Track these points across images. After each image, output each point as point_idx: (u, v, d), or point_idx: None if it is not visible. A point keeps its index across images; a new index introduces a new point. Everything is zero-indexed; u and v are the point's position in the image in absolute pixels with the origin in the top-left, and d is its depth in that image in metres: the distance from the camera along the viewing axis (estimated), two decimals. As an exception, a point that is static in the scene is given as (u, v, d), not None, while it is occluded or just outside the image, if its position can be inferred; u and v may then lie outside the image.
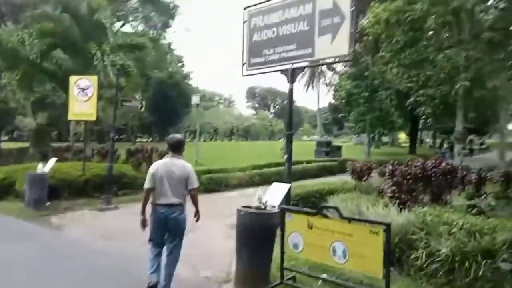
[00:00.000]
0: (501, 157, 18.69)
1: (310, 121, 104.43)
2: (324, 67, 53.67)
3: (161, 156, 12.15)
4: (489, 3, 12.20)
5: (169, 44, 43.50)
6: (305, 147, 28.92)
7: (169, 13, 40.78)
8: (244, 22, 7.67)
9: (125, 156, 12.59)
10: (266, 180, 14.13)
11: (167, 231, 4.46)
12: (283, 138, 19.34)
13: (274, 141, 73.79)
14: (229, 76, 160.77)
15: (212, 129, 71.22)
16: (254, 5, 7.57)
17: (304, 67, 7.70)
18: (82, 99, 10.34)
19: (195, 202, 4.61)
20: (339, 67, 51.02)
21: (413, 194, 5.55)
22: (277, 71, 7.18)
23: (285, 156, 6.83)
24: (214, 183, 12.41)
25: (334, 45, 6.19)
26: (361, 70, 23.25)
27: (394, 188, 5.54)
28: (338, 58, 6.61)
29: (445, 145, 30.82)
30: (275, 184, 5.30)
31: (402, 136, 56.60)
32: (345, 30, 6.04)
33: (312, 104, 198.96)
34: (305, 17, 6.61)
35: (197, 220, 4.73)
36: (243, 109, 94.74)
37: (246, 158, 23.92)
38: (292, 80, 6.82)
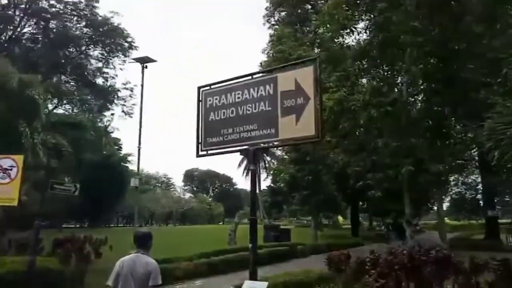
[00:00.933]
0: (442, 238, 19.27)
1: (249, 204, 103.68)
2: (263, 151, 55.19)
3: (96, 246, 10.68)
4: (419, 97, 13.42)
5: (105, 127, 42.32)
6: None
7: (107, 97, 39.87)
8: (199, 102, 7.37)
9: (51, 246, 10.81)
10: (214, 270, 12.96)
11: None
12: (231, 222, 18.43)
13: (215, 225, 71.39)
14: (167, 158, 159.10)
15: (148, 214, 67.47)
16: (209, 85, 7.38)
17: (268, 147, 7.39)
18: (3, 181, 8.96)
19: None
20: (278, 151, 52.84)
21: (402, 285, 5.04)
22: (237, 151, 6.79)
23: (250, 245, 6.07)
24: (156, 276, 10.92)
25: (300, 126, 6.00)
26: (303, 154, 23.87)
27: (382, 281, 4.99)
28: (305, 139, 6.33)
29: (383, 227, 31.58)
30: (248, 283, 4.51)
31: (340, 218, 57.90)
32: (310, 111, 5.92)
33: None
34: (267, 98, 6.47)
35: None
36: (181, 191, 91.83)
37: (188, 245, 22.27)
38: (254, 161, 6.41)
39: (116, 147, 53.58)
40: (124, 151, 54.20)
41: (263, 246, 16.79)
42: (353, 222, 32.17)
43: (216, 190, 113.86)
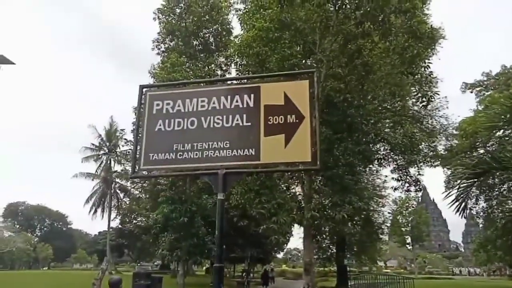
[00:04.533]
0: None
1: (85, 247, 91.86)
2: (117, 187, 50.12)
3: None
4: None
5: None
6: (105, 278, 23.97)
7: None
8: (139, 105, 5.64)
9: None
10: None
11: None
12: (102, 268, 15.11)
13: (49, 270, 59.85)
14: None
15: None
16: (157, 85, 5.77)
17: (245, 173, 5.96)
18: None
19: None
20: (135, 189, 48.73)
21: None
22: (196, 174, 5.23)
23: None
24: None
25: (290, 149, 4.92)
26: (178, 193, 22.15)
27: None
28: (296, 165, 5.15)
29: (244, 274, 31.23)
30: None
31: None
32: (304, 131, 4.94)
33: (88, 227, 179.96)
34: (245, 111, 5.24)
35: None
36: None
37: None
38: (223, 189, 4.95)
39: None
40: None
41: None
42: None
43: (45, 229, 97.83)
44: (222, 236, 4.79)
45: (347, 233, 18.73)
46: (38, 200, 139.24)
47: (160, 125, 5.43)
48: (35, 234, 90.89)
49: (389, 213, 39.92)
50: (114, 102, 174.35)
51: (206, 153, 5.14)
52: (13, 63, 20.00)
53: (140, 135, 5.54)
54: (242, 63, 17.03)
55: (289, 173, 13.62)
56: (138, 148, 5.47)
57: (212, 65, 24.07)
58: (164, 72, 18.87)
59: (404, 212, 53.53)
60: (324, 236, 19.85)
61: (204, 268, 54.18)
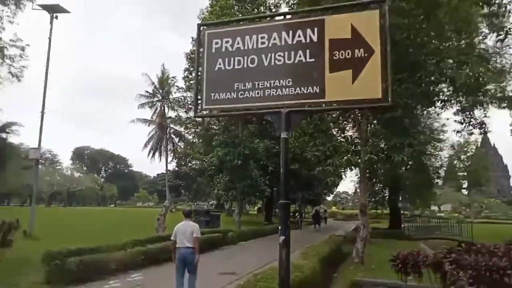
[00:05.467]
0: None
1: (146, 187, 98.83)
2: (171, 132, 52.17)
3: (5, 231, 7.97)
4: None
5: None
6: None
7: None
8: (199, 45, 5.53)
9: None
10: (151, 260, 10.98)
11: (185, 264, 7.17)
12: (122, 204, 16.21)
13: (121, 208, 65.75)
14: (52, 132, 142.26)
15: (28, 193, 59.03)
16: (215, 24, 5.58)
17: (311, 111, 5.83)
18: None
19: (196, 245, 7.28)
20: (189, 134, 50.48)
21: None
22: (259, 113, 5.16)
23: (281, 237, 4.57)
24: (87, 269, 8.63)
25: (358, 86, 4.63)
26: (231, 137, 22.57)
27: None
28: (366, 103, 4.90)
29: (297, 214, 32.17)
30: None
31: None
32: (374, 66, 4.59)
33: (147, 169, 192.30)
34: (308, 46, 4.93)
35: (197, 260, 7.22)
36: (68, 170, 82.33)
37: (110, 230, 19.34)
38: (287, 127, 4.86)
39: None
40: (8, 119, 46.16)
41: (197, 232, 15.10)
42: (267, 209, 32.09)
43: (109, 170, 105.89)
44: (287, 173, 4.80)
45: (402, 176, 18.36)
46: (101, 145, 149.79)
47: (220, 64, 5.31)
48: (100, 175, 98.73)
49: (445, 157, 38.28)
50: (164, 52, 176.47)
51: (268, 91, 5.00)
52: (68, 12, 20.61)
53: (200, 75, 5.50)
54: (295, 1, 16.12)
55: (344, 116, 13.26)
56: (199, 88, 5.45)
57: (261, 7, 23.18)
58: (213, 16, 18.48)
59: (462, 156, 51.20)
60: (377, 179, 19.56)
61: (256, 208, 56.47)
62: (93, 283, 8.65)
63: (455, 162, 50.53)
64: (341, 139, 12.99)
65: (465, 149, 49.21)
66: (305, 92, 4.87)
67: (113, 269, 9.49)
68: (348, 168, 12.50)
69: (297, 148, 19.34)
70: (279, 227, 4.76)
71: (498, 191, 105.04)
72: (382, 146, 12.28)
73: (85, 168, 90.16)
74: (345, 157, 12.14)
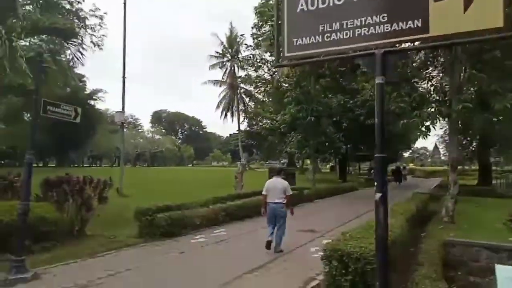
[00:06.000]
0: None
1: (220, 148, 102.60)
2: (242, 92, 52.54)
3: (100, 189, 8.47)
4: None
5: (69, 60, 37.74)
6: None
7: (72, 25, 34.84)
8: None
9: (40, 189, 8.41)
10: (232, 216, 11.21)
11: (275, 217, 7.83)
12: (239, 164, 16.51)
13: (199, 167, 69.61)
14: (132, 97, 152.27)
15: (115, 154, 64.49)
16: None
17: (409, 50, 5.18)
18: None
19: (290, 202, 8.06)
20: (259, 94, 50.41)
21: None
22: (350, 56, 4.57)
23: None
24: (174, 224, 9.02)
25: (472, 14, 3.82)
26: (304, 94, 21.83)
27: None
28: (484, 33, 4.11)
29: (373, 171, 31.03)
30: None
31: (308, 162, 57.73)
32: (492, -11, 3.73)
33: (220, 130, 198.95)
34: (405, -28, 4.18)
35: (292, 213, 8.19)
36: (149, 133, 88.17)
37: (193, 189, 20.43)
38: (382, 71, 4.24)
39: (81, 83, 49.26)
40: (92, 86, 49.97)
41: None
42: (341, 166, 31.38)
43: (185, 132, 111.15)
44: (383, 124, 4.24)
45: (496, 127, 16.44)
46: (176, 108, 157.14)
47: (302, 5, 4.75)
48: (177, 137, 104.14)
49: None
50: (231, 9, 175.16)
51: (358, 31, 4.37)
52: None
53: (279, 21, 5.01)
54: None
55: (433, 61, 11.83)
56: (279, 34, 4.98)
57: None
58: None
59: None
60: (469, 131, 17.73)
61: (329, 166, 55.85)
62: (180, 237, 9.04)
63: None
64: (429, 88, 11.71)
65: None
66: (403, 27, 4.16)
67: (197, 225, 9.83)
68: (438, 120, 11.32)
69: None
70: (375, 183, 4.31)
71: None
72: (478, 93, 10.84)
73: (163, 130, 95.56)
74: (434, 108, 10.99)
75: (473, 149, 26.22)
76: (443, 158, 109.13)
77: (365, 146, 29.35)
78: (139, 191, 16.91)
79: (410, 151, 75.66)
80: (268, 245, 7.75)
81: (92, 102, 45.08)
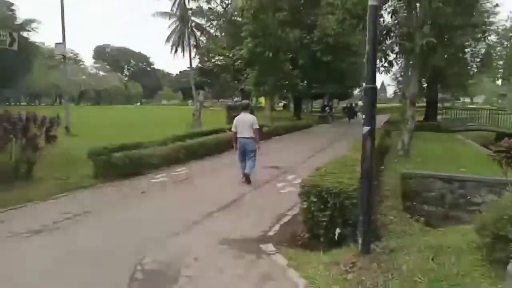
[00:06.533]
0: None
1: (170, 85, 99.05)
2: (193, 26, 49.62)
3: (47, 127, 7.65)
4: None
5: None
6: (188, 112, 25.81)
7: None
8: None
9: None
10: (193, 155, 10.85)
11: (245, 151, 8.07)
12: (196, 102, 15.76)
13: (144, 105, 66.83)
14: (71, 31, 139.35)
15: (56, 92, 60.06)
16: None
17: None
18: None
19: (256, 136, 8.14)
20: (211, 28, 47.94)
21: None
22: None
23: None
24: (132, 163, 8.50)
25: None
26: (262, 28, 20.84)
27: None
28: None
29: (327, 108, 31.53)
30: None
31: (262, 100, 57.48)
32: None
33: (170, 67, 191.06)
34: None
35: (258, 147, 8.22)
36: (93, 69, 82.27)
37: (132, 126, 19.48)
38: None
39: (10, 12, 43.79)
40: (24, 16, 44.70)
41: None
42: (296, 104, 31.47)
43: (132, 69, 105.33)
44: (374, 50, 3.91)
45: (447, 65, 16.87)
46: (120, 43, 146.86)
47: None
48: (124, 74, 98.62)
49: (486, 44, 35.14)
50: None
51: None
52: None
53: None
54: None
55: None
56: None
57: None
58: None
59: (506, 43, 47.10)
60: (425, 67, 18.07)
61: (281, 104, 56.13)
62: (140, 176, 8.59)
63: (498, 48, 46.59)
64: (394, 22, 11.44)
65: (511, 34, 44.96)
66: None
67: (157, 164, 9.37)
68: (401, 55, 11.25)
69: (332, 37, 17.73)
70: (363, 116, 4.06)
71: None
72: (439, 28, 10.77)
73: (108, 67, 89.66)
74: (397, 42, 10.83)
75: (424, 85, 27.15)
76: (388, 96, 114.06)
77: (319, 83, 29.37)
78: (88, 130, 15.87)
79: (360, 88, 77.50)
80: (247, 178, 7.96)
81: (25, 34, 40.58)
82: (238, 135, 8.02)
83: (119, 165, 8.16)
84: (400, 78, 34.31)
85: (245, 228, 5.34)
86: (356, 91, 73.98)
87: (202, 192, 7.58)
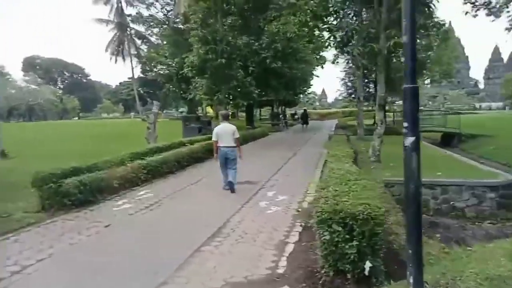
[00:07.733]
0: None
1: (109, 98, 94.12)
2: (133, 33, 47.37)
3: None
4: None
5: None
6: (132, 125, 24.15)
7: None
8: None
9: None
10: (154, 174, 9.67)
11: (226, 160, 8.21)
12: (153, 112, 14.38)
13: (86, 120, 62.38)
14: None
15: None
16: None
17: None
18: None
19: (237, 145, 8.37)
20: (151, 36, 46.09)
21: None
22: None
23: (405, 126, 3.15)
24: (87, 190, 7.16)
25: None
26: (211, 33, 19.97)
27: None
28: None
29: (281, 116, 31.29)
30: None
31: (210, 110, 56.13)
32: None
33: (107, 78, 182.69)
34: None
35: (240, 156, 8.41)
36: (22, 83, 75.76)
37: (75, 144, 17.56)
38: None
39: None
40: None
41: (194, 141, 13.62)
42: (248, 112, 30.84)
43: (66, 81, 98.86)
44: (414, 41, 3.19)
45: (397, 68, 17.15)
46: (51, 54, 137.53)
47: None
48: (57, 87, 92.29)
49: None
50: None
51: None
52: None
53: None
54: None
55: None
56: None
57: None
58: None
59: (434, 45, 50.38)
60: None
61: (231, 112, 55.29)
62: (98, 205, 7.27)
63: (429, 53, 49.67)
64: (359, 23, 11.16)
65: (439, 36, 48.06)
66: None
67: (115, 188, 8.09)
68: (367, 57, 10.99)
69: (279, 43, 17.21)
70: (406, 124, 3.31)
71: (458, 82, 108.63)
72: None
73: (39, 79, 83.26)
74: (363, 44, 10.51)
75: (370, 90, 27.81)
76: (329, 101, 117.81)
77: (271, 90, 29.02)
78: (24, 151, 13.92)
79: (305, 94, 79.05)
80: (231, 187, 8.06)
81: None
82: (219, 144, 8.18)
83: (71, 193, 6.80)
84: (349, 83, 35.20)
85: (246, 266, 4.41)
86: (301, 97, 75.29)
87: (176, 219, 6.49)
